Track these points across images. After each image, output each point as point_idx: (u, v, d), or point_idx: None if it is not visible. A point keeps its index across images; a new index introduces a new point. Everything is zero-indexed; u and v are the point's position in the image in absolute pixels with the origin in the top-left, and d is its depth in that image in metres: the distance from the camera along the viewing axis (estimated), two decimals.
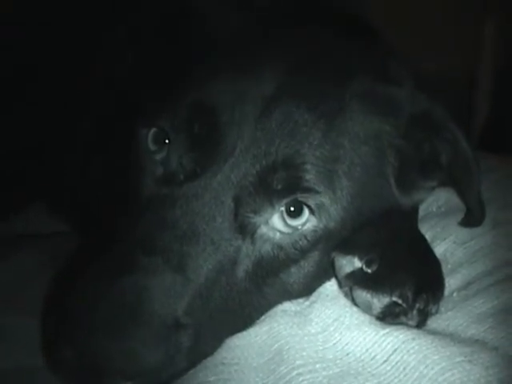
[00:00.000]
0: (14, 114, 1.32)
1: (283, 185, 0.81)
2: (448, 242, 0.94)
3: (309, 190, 0.81)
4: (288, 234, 0.83)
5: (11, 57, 1.36)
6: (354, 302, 0.82)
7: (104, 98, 1.21)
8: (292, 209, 0.82)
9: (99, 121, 1.22)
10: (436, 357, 0.74)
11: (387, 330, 0.78)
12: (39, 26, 1.37)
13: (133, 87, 1.04)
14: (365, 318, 0.80)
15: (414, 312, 0.80)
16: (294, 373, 0.76)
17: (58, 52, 1.31)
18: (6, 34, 1.38)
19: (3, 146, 1.32)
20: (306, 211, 0.83)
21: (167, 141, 0.85)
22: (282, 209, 0.82)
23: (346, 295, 0.83)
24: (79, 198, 1.22)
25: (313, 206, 0.82)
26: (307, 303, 0.84)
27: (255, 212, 0.81)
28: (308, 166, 0.81)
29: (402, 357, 0.75)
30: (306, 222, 0.83)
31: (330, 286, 0.85)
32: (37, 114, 1.30)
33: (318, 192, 0.82)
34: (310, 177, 0.81)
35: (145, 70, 1.04)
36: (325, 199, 0.82)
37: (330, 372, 0.76)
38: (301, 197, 0.82)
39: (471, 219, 0.94)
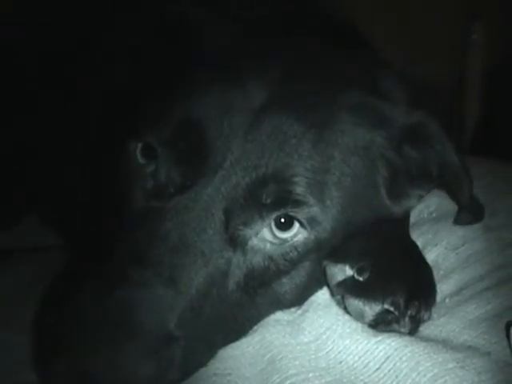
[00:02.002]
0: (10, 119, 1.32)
1: (273, 198, 0.81)
2: (440, 247, 0.94)
3: (299, 204, 0.81)
4: (279, 245, 0.82)
5: (9, 57, 1.36)
6: (346, 311, 0.82)
7: (101, 104, 1.21)
8: (282, 220, 0.82)
9: (95, 127, 1.21)
10: (428, 363, 0.74)
11: (379, 338, 0.78)
12: (39, 26, 1.37)
13: (126, 97, 1.04)
14: (357, 326, 0.80)
15: (406, 319, 0.80)
16: (287, 382, 0.76)
17: (55, 54, 1.31)
18: (6, 33, 1.38)
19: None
20: (297, 224, 0.82)
21: (156, 154, 0.85)
22: (271, 222, 0.82)
23: (338, 303, 0.83)
24: (70, 210, 1.22)
25: (303, 220, 0.82)
26: (299, 312, 0.84)
27: (245, 224, 0.81)
28: (298, 179, 0.81)
29: (395, 364, 0.75)
30: (297, 234, 0.83)
31: (322, 295, 0.85)
32: (32, 120, 1.30)
33: (308, 205, 0.82)
34: (300, 190, 0.81)
35: (135, 81, 1.04)
36: (315, 211, 0.82)
37: (323, 381, 0.76)
38: (291, 211, 0.81)
39: (467, 217, 0.95)
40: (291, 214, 0.81)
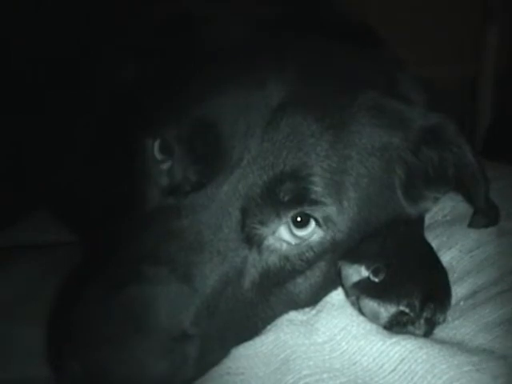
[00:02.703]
0: (17, 117, 1.32)
1: (290, 196, 0.80)
2: (454, 250, 0.94)
3: (316, 203, 0.81)
4: (295, 245, 0.82)
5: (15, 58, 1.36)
6: (361, 312, 0.82)
7: (107, 104, 1.21)
8: (299, 219, 0.82)
9: (103, 127, 1.21)
10: (444, 366, 0.73)
11: (394, 340, 0.77)
12: (43, 27, 1.37)
13: (137, 96, 1.04)
14: (372, 327, 0.80)
15: (422, 321, 0.80)
16: (301, 382, 0.75)
17: (60, 54, 1.31)
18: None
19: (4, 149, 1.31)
20: (313, 222, 0.82)
21: (172, 152, 0.85)
22: (289, 220, 0.82)
23: (352, 304, 0.83)
24: (83, 205, 1.22)
25: (319, 219, 0.82)
26: (313, 312, 0.84)
27: (262, 223, 0.81)
28: (315, 178, 0.81)
29: (410, 366, 0.75)
30: (313, 233, 0.82)
31: (337, 296, 0.85)
32: (39, 118, 1.30)
33: (324, 204, 0.81)
34: (317, 189, 0.81)
35: (148, 79, 1.04)
36: (332, 211, 0.82)
37: (337, 382, 0.75)
38: (308, 209, 0.81)
39: (482, 220, 0.94)
40: (308, 212, 0.81)
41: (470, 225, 0.96)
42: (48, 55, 1.34)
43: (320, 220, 0.82)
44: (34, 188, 1.34)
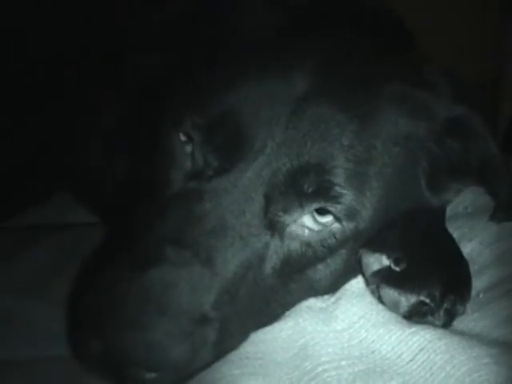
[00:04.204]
0: (43, 111, 1.33)
1: (314, 188, 0.81)
2: (474, 242, 0.94)
3: (339, 196, 0.81)
4: (317, 231, 0.83)
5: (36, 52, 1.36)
6: (381, 300, 0.82)
7: (131, 89, 1.22)
8: (320, 210, 0.82)
9: (126, 111, 1.22)
10: (463, 357, 0.73)
11: (414, 329, 0.77)
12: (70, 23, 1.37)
13: (162, 83, 1.04)
14: (391, 316, 0.80)
15: (441, 312, 0.80)
16: (320, 369, 0.76)
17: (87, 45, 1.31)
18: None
19: (30, 140, 1.32)
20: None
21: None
22: (313, 210, 0.82)
23: (372, 293, 0.83)
24: (105, 187, 1.22)
25: (341, 213, 0.82)
26: (333, 300, 0.84)
27: (285, 211, 0.81)
28: (339, 170, 0.81)
29: (429, 356, 0.75)
30: (335, 221, 0.83)
31: (356, 284, 0.85)
32: (63, 108, 1.30)
33: (347, 196, 0.81)
34: (341, 181, 0.81)
35: (171, 68, 1.04)
36: (354, 202, 0.82)
37: (356, 369, 0.76)
38: (330, 204, 0.81)
39: (504, 215, 0.94)
40: (330, 208, 0.81)
41: (492, 218, 0.95)
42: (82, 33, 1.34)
43: (341, 215, 0.82)
44: (58, 172, 1.35)
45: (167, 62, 1.06)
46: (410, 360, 0.75)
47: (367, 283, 0.84)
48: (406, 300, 0.79)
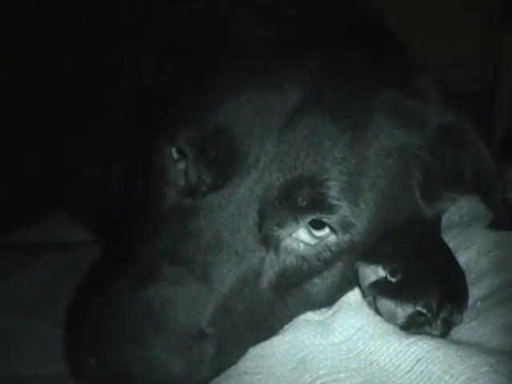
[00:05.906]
0: (39, 126, 1.33)
1: (307, 202, 0.80)
2: (471, 251, 0.94)
3: (332, 208, 0.81)
4: (312, 245, 0.83)
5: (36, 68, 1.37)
6: (378, 312, 0.82)
7: (127, 108, 1.22)
8: (314, 223, 0.82)
9: (122, 129, 1.22)
10: (461, 366, 0.73)
11: (411, 340, 0.77)
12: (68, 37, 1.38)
13: (155, 98, 1.04)
14: (388, 327, 0.80)
15: (438, 322, 0.80)
16: (318, 382, 0.76)
17: (82, 63, 1.32)
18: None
19: (27, 156, 1.33)
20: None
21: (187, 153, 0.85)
22: (307, 223, 0.82)
23: (369, 304, 0.83)
24: (101, 205, 1.23)
25: (336, 225, 0.82)
26: (330, 313, 0.84)
27: (279, 225, 0.81)
28: (333, 183, 0.81)
29: (427, 366, 0.75)
30: (331, 233, 0.83)
31: (353, 296, 0.85)
32: (60, 123, 1.31)
33: (341, 208, 0.81)
34: (335, 193, 0.81)
35: (167, 84, 1.04)
36: (348, 214, 0.82)
37: (354, 381, 0.76)
38: (324, 216, 0.81)
39: (502, 223, 0.94)
40: (324, 219, 0.81)
41: (489, 226, 0.95)
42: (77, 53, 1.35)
43: (336, 226, 0.82)
44: (54, 188, 1.35)
45: (161, 77, 1.07)
46: (408, 371, 0.75)
47: (364, 295, 0.84)
48: (403, 311, 0.79)
